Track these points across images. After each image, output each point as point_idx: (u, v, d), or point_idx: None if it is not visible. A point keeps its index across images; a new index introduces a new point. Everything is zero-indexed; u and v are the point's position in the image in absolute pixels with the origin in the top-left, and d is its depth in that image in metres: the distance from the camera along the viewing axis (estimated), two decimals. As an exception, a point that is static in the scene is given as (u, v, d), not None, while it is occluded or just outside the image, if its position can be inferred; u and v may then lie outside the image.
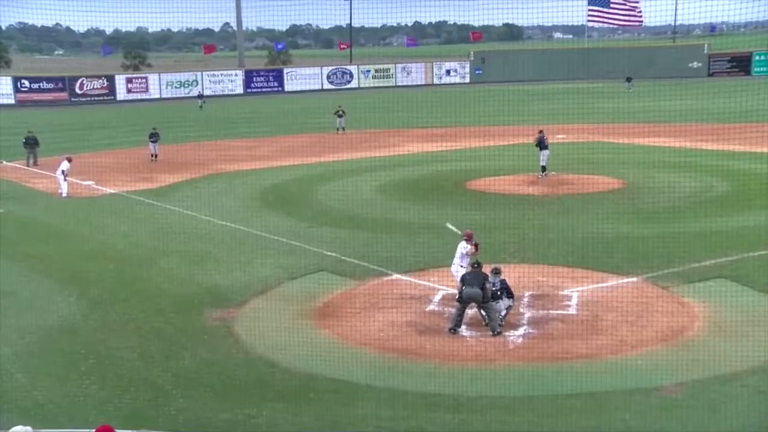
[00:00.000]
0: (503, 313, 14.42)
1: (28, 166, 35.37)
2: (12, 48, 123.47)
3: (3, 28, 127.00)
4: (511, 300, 14.62)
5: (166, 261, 19.86)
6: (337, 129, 45.81)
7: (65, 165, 28.84)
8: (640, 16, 76.97)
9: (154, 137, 36.64)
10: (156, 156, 36.66)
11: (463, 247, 15.55)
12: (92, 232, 23.68)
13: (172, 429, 11.04)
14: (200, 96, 68.68)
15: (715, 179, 28.07)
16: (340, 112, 46.20)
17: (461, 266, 15.35)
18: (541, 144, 29.18)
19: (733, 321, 14.38)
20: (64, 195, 28.52)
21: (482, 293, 14.03)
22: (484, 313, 14.39)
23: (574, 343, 13.61)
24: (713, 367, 12.32)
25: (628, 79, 68.48)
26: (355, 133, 43.77)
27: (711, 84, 58.77)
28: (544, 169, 29.15)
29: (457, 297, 14.44)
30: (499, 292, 14.36)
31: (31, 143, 35.97)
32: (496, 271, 14.63)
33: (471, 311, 14.66)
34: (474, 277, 14.24)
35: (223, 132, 48.44)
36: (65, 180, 28.70)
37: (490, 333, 14.04)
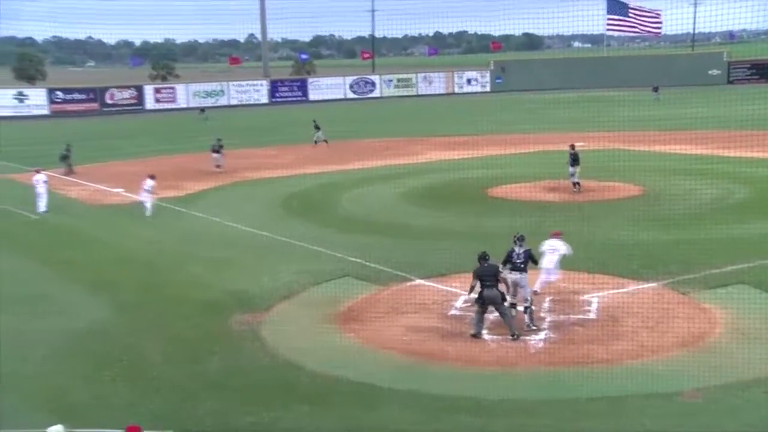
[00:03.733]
0: (527, 301, 14.70)
1: (64, 175, 36.22)
2: (47, 61, 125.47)
3: (40, 41, 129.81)
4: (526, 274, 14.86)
5: (193, 267, 20.23)
6: (315, 141, 44.50)
7: (149, 183, 27.08)
8: (660, 25, 76.19)
9: (217, 149, 36.37)
10: (220, 166, 36.01)
11: (553, 245, 16.16)
12: (121, 239, 24.14)
13: (200, 430, 11.32)
14: (202, 110, 69.27)
15: (736, 186, 27.95)
16: (317, 125, 45.36)
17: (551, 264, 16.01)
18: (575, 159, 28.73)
19: (754, 326, 14.37)
20: (147, 214, 26.52)
21: (499, 293, 14.24)
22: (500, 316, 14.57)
23: (594, 347, 13.72)
24: (734, 372, 12.32)
25: (655, 89, 66.72)
26: (377, 142, 44.00)
27: (731, 91, 58.30)
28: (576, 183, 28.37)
29: (476, 298, 14.48)
30: (522, 264, 14.69)
31: (66, 156, 37.38)
32: (521, 239, 14.93)
33: (491, 316, 14.85)
34: (488, 271, 14.32)
35: (247, 140, 48.92)
36: (148, 197, 26.91)
37: (510, 337, 14.21)
